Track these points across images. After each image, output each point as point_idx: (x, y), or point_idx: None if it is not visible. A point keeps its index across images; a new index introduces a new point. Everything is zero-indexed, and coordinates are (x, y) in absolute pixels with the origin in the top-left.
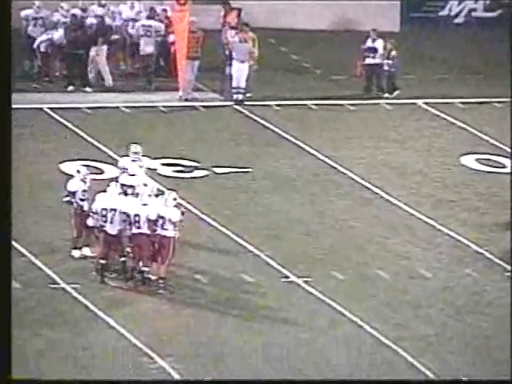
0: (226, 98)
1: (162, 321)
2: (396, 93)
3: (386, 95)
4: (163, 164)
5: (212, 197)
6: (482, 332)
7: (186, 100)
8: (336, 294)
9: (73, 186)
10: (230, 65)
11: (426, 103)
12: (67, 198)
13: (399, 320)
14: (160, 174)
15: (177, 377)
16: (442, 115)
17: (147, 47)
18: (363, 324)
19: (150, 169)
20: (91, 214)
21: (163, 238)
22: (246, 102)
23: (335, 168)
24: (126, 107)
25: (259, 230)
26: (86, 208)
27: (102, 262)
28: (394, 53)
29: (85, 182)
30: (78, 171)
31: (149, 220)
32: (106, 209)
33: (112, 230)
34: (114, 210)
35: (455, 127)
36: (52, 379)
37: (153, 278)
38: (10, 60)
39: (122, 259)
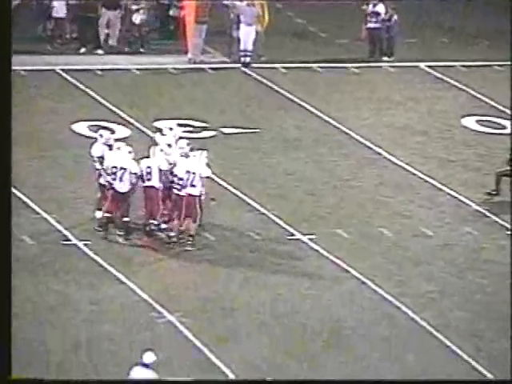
0: (234, 61)
1: (170, 277)
2: (392, 58)
3: (386, 58)
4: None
5: (220, 157)
6: (482, 288)
7: (195, 63)
8: (340, 251)
9: (96, 151)
10: (238, 28)
11: (428, 66)
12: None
13: (401, 277)
14: None
15: (185, 331)
16: (444, 78)
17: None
18: (366, 280)
19: (159, 129)
20: (102, 171)
21: (190, 196)
22: (253, 65)
23: (340, 129)
24: (137, 69)
25: (266, 189)
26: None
27: (108, 215)
28: (395, 17)
29: (109, 146)
30: (101, 135)
31: (164, 173)
32: (115, 167)
33: (121, 188)
34: (124, 168)
35: (456, 89)
36: (52, 379)
37: (172, 234)
38: (10, 24)
39: (126, 219)
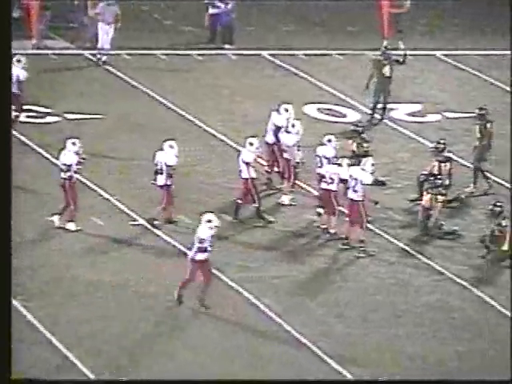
0: (78, 47)
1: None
2: (233, 45)
3: (227, 46)
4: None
5: (64, 142)
6: (342, 291)
7: (39, 48)
8: (182, 236)
9: (67, 159)
10: (85, 14)
11: (270, 54)
12: (67, 174)
13: (246, 262)
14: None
15: (28, 315)
16: (286, 66)
17: None
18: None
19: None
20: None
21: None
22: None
23: (184, 116)
24: None
25: (110, 175)
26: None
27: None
28: (232, 3)
29: (78, 155)
30: (74, 143)
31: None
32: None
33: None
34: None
35: (298, 78)
36: (52, 379)
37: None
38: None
39: None
